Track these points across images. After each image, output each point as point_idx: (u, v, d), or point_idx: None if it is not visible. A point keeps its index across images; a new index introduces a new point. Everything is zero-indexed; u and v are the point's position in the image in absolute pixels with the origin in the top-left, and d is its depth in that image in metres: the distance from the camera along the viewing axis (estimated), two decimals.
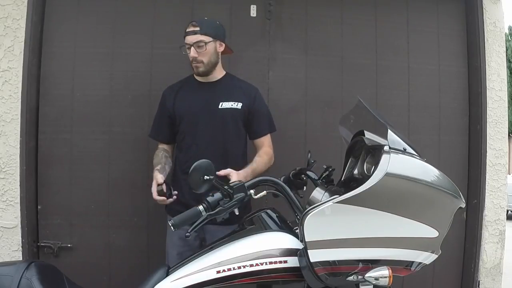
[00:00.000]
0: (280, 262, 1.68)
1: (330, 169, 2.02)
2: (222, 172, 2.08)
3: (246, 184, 1.80)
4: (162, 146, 2.53)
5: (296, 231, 1.76)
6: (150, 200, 2.78)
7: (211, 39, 2.38)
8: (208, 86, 2.48)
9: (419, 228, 1.65)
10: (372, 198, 1.59)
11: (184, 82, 2.54)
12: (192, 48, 2.35)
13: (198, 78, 2.50)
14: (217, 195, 1.76)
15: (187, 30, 2.38)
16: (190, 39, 2.36)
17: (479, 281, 3.07)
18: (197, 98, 2.46)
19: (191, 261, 1.78)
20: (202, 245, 2.36)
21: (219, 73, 2.49)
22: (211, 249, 1.80)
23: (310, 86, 2.99)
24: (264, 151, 2.47)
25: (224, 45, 2.46)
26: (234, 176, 2.12)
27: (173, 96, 2.49)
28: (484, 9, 3.09)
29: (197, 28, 2.36)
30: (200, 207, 1.73)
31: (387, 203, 1.62)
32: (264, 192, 1.85)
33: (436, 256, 1.74)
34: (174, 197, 2.29)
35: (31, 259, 2.59)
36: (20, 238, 2.68)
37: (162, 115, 2.52)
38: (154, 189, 2.26)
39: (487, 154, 3.07)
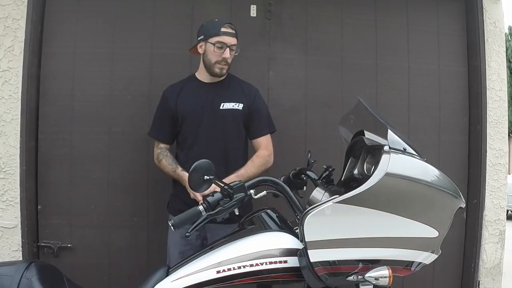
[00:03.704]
0: (280, 262, 1.68)
1: (330, 169, 2.02)
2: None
3: (246, 184, 1.80)
4: (163, 145, 2.52)
5: (296, 231, 1.76)
6: (150, 200, 2.82)
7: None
8: (210, 86, 2.49)
9: (419, 228, 1.65)
10: (372, 198, 1.59)
11: (186, 82, 2.54)
12: (228, 49, 2.37)
13: (202, 78, 2.50)
14: (217, 195, 1.76)
15: (224, 30, 2.37)
16: (229, 40, 2.37)
17: (479, 281, 3.07)
18: (200, 98, 2.46)
19: (191, 261, 1.78)
20: (204, 244, 2.36)
21: None
22: (211, 249, 1.80)
23: (310, 86, 2.99)
24: (258, 154, 2.47)
25: None
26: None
27: (175, 96, 2.48)
28: (484, 9, 3.09)
29: (234, 32, 2.40)
30: (200, 207, 1.74)
31: (387, 203, 1.62)
32: (264, 192, 1.85)
33: (436, 256, 1.74)
34: None
35: (31, 259, 2.58)
36: (20, 238, 2.68)
37: (164, 115, 2.51)
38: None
39: (487, 154, 3.07)
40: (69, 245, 2.77)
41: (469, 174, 3.13)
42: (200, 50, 2.45)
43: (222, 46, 2.36)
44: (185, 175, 2.29)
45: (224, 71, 2.42)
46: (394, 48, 3.09)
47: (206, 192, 1.83)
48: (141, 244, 2.82)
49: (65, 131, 2.79)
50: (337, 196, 1.62)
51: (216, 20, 2.42)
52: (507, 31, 19.13)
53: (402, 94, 3.08)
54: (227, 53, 2.37)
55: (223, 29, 2.37)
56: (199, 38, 2.45)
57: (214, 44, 2.37)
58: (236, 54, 2.45)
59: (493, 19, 3.12)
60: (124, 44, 2.84)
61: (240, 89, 2.51)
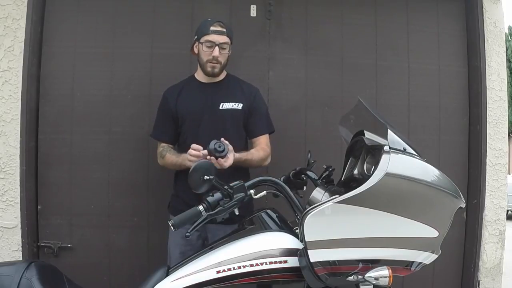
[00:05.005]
0: (280, 262, 1.68)
1: (330, 169, 2.02)
2: (226, 141, 2.12)
3: (246, 184, 1.80)
4: (166, 145, 2.52)
5: (296, 231, 1.75)
6: (150, 200, 2.82)
7: (230, 43, 2.42)
8: (210, 86, 2.49)
9: (419, 228, 1.65)
10: (372, 198, 1.59)
11: (185, 82, 2.55)
12: (217, 47, 2.36)
13: (201, 79, 2.50)
14: (217, 195, 1.76)
15: (213, 28, 2.37)
16: (217, 38, 2.36)
17: (479, 281, 3.07)
18: (199, 99, 2.46)
19: (191, 261, 1.78)
20: (205, 244, 2.36)
21: (221, 74, 2.50)
22: (211, 249, 1.80)
23: (310, 86, 2.99)
24: (262, 147, 2.48)
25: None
26: (231, 156, 2.14)
27: (175, 97, 2.49)
28: (484, 9, 3.10)
29: (224, 30, 2.39)
30: (200, 207, 1.74)
31: (387, 203, 1.62)
32: (264, 192, 1.85)
33: (436, 256, 1.74)
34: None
35: (31, 259, 2.59)
36: (20, 238, 2.68)
37: (165, 116, 2.51)
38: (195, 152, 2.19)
39: (487, 154, 3.07)
40: (69, 245, 2.77)
41: (469, 174, 3.13)
42: (195, 51, 2.46)
43: (211, 45, 2.37)
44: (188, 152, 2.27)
45: (216, 69, 2.42)
46: (394, 48, 3.09)
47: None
48: (141, 244, 2.82)
49: (65, 131, 2.79)
50: (337, 196, 1.62)
51: (209, 19, 2.42)
52: (507, 31, 19.12)
53: (402, 94, 3.08)
54: (216, 52, 2.36)
55: (212, 28, 2.37)
56: (194, 39, 2.47)
57: (203, 43, 2.38)
58: (229, 53, 2.44)
59: (493, 19, 3.12)
60: (124, 44, 2.84)
61: (240, 89, 2.51)
